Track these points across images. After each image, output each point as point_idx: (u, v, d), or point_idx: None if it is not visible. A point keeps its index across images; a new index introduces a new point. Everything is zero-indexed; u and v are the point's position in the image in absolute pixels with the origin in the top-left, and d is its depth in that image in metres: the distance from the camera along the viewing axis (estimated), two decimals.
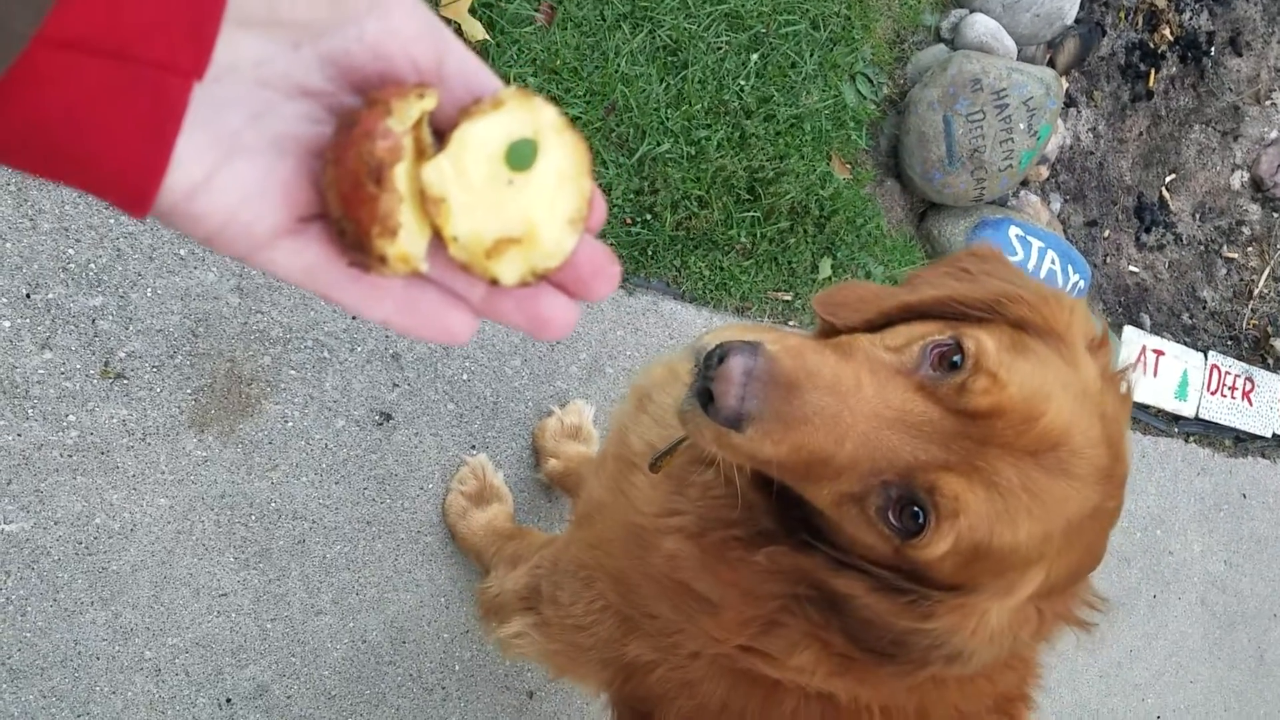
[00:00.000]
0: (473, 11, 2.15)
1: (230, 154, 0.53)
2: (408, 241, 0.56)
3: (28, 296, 1.71)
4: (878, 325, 1.19)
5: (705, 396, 0.99)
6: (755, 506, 1.21)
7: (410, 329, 0.62)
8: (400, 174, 0.54)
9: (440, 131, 0.59)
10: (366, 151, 0.53)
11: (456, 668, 2.20)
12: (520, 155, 0.58)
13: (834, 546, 1.13)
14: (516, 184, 0.58)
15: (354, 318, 2.02)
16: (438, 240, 0.58)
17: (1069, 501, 1.01)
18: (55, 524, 1.74)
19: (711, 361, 0.99)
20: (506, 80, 2.19)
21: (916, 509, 1.01)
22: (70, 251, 1.75)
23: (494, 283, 0.59)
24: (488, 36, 2.17)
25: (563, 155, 0.59)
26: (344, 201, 0.54)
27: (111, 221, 1.78)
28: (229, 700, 1.92)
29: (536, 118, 0.58)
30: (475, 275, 0.59)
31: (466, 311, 0.62)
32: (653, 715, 1.47)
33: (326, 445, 2.02)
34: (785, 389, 0.97)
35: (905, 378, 1.04)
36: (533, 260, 0.59)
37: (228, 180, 0.53)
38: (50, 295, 1.73)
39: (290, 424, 1.97)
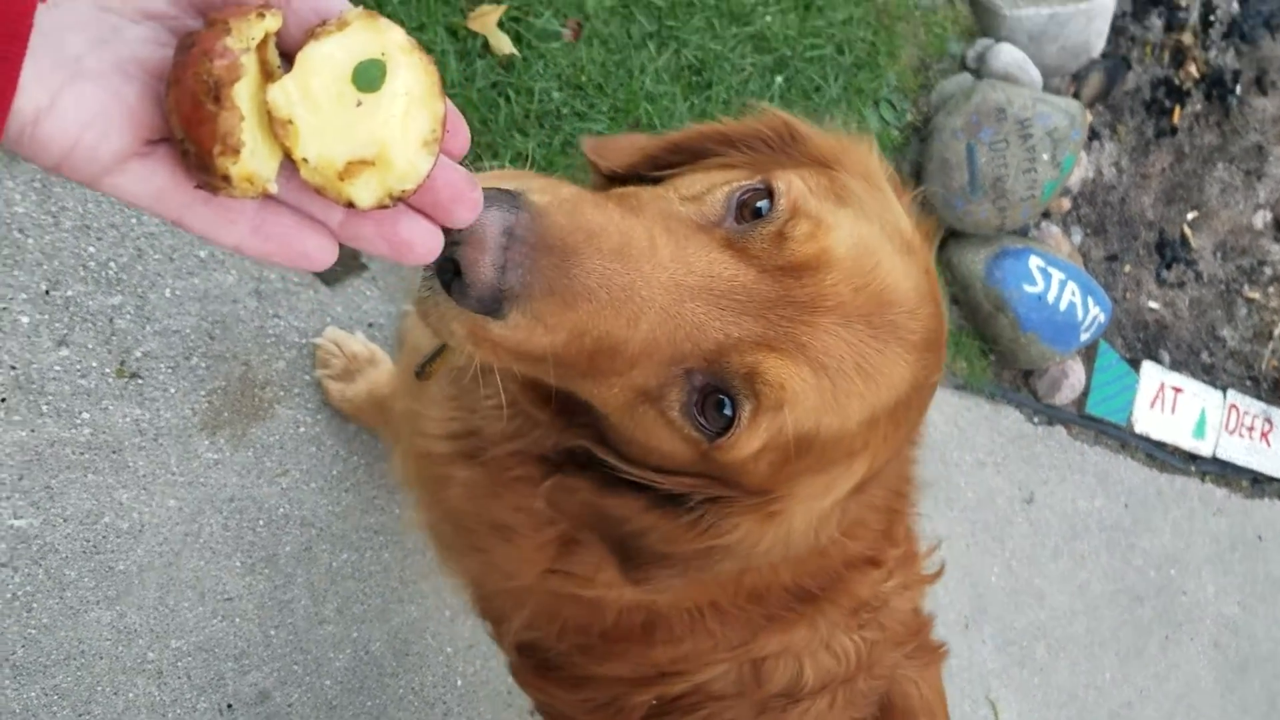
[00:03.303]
0: (501, 25, 2.15)
1: (73, 78, 0.53)
2: (253, 162, 0.55)
3: (47, 293, 1.71)
4: (645, 170, 1.04)
5: (448, 270, 0.74)
6: (531, 417, 1.04)
7: (264, 254, 0.61)
8: (242, 93, 0.54)
9: (289, 55, 0.58)
10: (205, 70, 0.53)
11: (459, 683, 2.18)
12: (367, 76, 0.57)
13: (623, 456, 0.96)
14: (366, 105, 0.57)
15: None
16: (290, 164, 0.57)
17: (901, 376, 0.87)
18: (64, 521, 1.73)
19: None
20: (532, 94, 2.20)
21: (724, 398, 0.84)
22: (91, 249, 1.75)
23: (350, 206, 0.58)
24: (514, 51, 2.17)
25: (413, 76, 0.58)
26: (185, 122, 0.54)
27: (133, 221, 1.79)
28: (230, 706, 1.91)
29: (384, 39, 0.58)
30: (330, 198, 0.58)
31: (324, 235, 0.62)
32: (500, 625, 1.40)
33: (338, 452, 2.01)
34: (560, 255, 0.75)
35: (707, 234, 0.86)
36: (388, 183, 0.58)
37: (71, 104, 0.53)
38: (69, 292, 1.73)
39: (302, 429, 1.97)
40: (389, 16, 2.13)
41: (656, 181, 0.99)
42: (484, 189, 0.72)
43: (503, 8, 2.15)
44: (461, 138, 0.62)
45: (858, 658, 1.23)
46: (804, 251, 0.83)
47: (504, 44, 2.16)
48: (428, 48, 2.04)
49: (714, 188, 0.90)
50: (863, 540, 1.14)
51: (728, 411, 0.84)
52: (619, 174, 1.07)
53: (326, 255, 0.61)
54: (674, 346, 0.81)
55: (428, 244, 0.62)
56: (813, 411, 0.84)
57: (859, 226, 0.87)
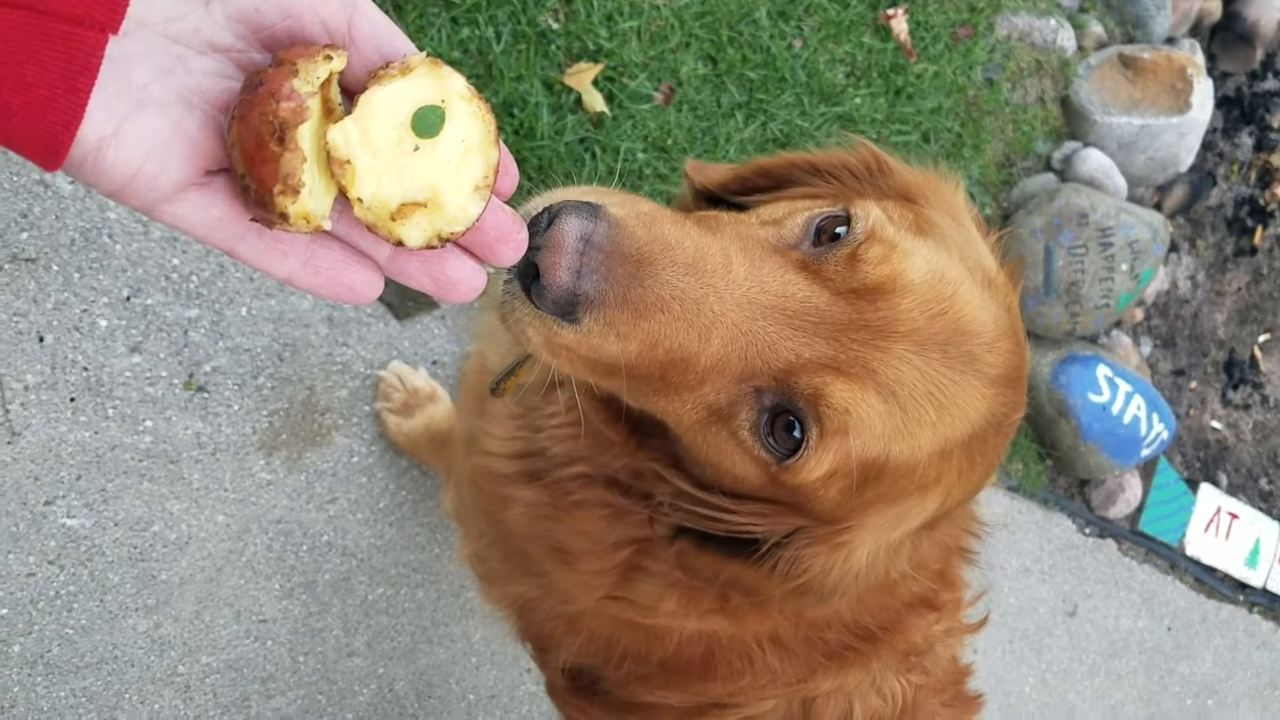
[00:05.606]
0: (595, 84, 2.18)
1: (138, 107, 0.54)
2: (310, 201, 0.56)
3: (128, 299, 1.74)
4: (735, 191, 1.07)
5: (530, 275, 0.77)
6: (602, 437, 1.04)
7: (312, 286, 0.62)
8: (305, 134, 0.55)
9: (351, 91, 0.60)
10: (270, 111, 0.54)
11: None
12: (427, 122, 0.58)
13: (695, 481, 0.98)
14: (423, 150, 0.59)
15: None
16: (343, 199, 0.59)
17: (976, 409, 0.86)
18: (115, 525, 1.75)
19: (538, 226, 0.76)
20: (618, 152, 2.22)
21: (793, 420, 0.84)
22: (176, 262, 1.78)
23: (400, 244, 0.59)
24: (606, 109, 2.19)
25: (470, 124, 0.60)
26: (247, 159, 0.55)
27: None
28: None
29: (445, 86, 0.59)
30: (380, 236, 0.59)
31: (371, 269, 0.63)
32: (547, 650, 1.38)
33: (387, 486, 2.01)
34: (635, 265, 0.77)
35: (783, 255, 0.86)
36: (438, 225, 0.59)
37: (134, 132, 0.54)
38: (149, 301, 1.76)
39: (356, 459, 1.98)
40: (491, 67, 2.13)
41: (744, 208, 1.01)
42: (565, 200, 0.77)
43: (599, 66, 2.18)
44: (511, 177, 0.64)
45: (903, 702, 1.22)
46: (876, 274, 0.83)
47: (597, 101, 2.19)
48: (523, 99, 2.07)
49: (794, 213, 0.91)
50: (924, 579, 1.14)
51: (796, 434, 0.84)
52: (710, 194, 1.09)
53: (372, 290, 0.63)
54: (745, 363, 0.82)
55: (471, 283, 0.64)
56: (881, 438, 0.83)
57: (937, 256, 0.87)
